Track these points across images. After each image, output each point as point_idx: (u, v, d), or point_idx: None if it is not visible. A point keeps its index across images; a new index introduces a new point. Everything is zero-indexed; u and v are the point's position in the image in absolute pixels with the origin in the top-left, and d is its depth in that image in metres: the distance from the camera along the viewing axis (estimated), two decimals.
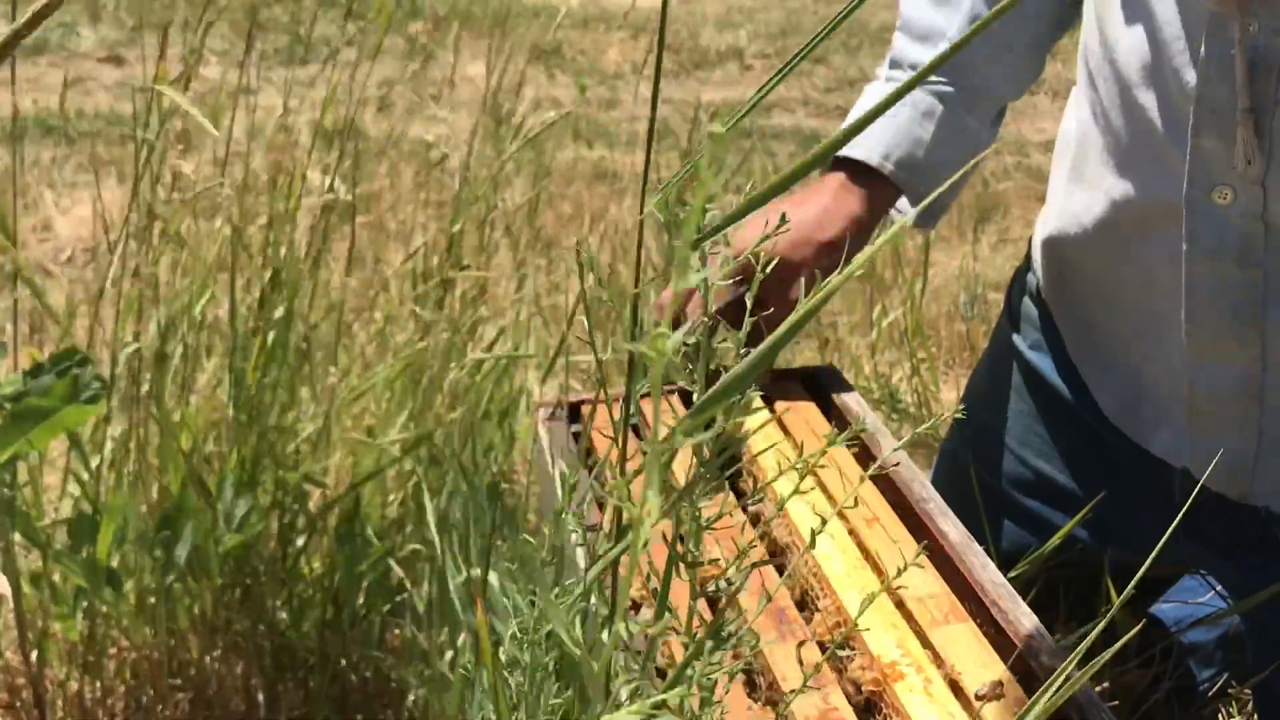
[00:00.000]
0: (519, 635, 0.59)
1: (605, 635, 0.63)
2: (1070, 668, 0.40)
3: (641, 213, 0.43)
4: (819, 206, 1.07)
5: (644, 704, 0.41)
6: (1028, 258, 1.22)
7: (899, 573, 0.65)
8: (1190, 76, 0.91)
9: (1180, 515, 0.60)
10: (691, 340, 0.51)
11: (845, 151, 1.08)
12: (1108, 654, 0.42)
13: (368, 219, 1.63)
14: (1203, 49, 0.90)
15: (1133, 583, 0.45)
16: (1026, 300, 1.21)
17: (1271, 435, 1.00)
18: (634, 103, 4.46)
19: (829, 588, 0.86)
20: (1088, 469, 1.16)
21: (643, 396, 1.13)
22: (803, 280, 1.03)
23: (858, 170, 1.08)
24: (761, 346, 0.34)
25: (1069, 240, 1.10)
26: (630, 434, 0.56)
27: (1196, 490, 0.76)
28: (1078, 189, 1.08)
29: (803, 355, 2.58)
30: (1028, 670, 0.79)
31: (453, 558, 1.27)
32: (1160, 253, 0.99)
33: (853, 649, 0.81)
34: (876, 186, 1.08)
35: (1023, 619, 0.82)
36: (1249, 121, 0.89)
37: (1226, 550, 1.08)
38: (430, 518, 1.33)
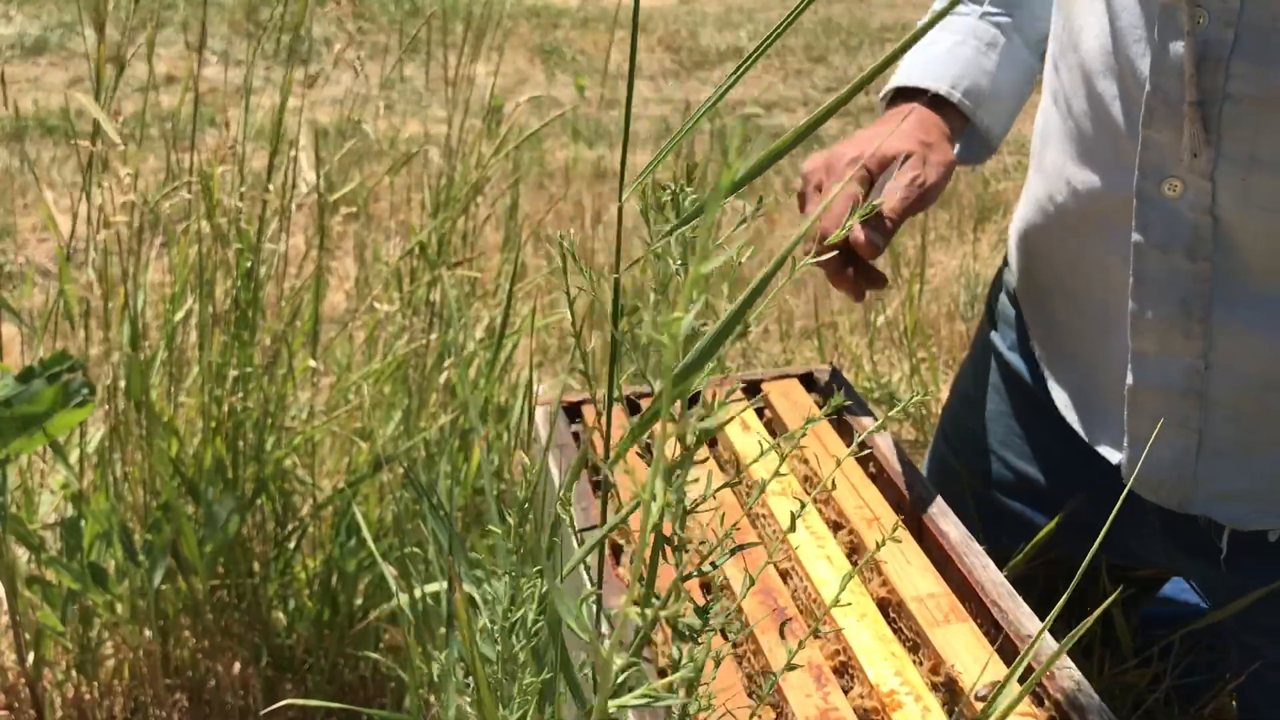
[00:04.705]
0: (489, 626, 0.59)
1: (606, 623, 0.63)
2: (1042, 638, 0.40)
3: (621, 200, 0.43)
4: (910, 122, 1.05)
5: (650, 687, 0.41)
6: (1006, 257, 1.22)
7: (879, 545, 0.65)
8: (1144, 67, 0.91)
9: (1113, 515, 0.60)
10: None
11: (915, 82, 1.09)
12: (1062, 604, 0.41)
13: (352, 211, 1.63)
14: (1155, 39, 0.90)
15: (1077, 575, 0.45)
16: (1004, 300, 1.21)
17: (1212, 438, 0.98)
18: (634, 102, 4.46)
19: (823, 608, 0.86)
20: (1063, 469, 1.15)
21: (643, 396, 1.12)
22: (915, 158, 1.01)
23: (925, 101, 1.09)
24: (724, 319, 0.34)
25: (1035, 230, 1.10)
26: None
27: (1127, 495, 0.74)
28: (1038, 177, 1.08)
29: (802, 355, 2.58)
30: (1028, 670, 0.78)
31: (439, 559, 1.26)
32: (1115, 246, 0.98)
33: (830, 631, 0.80)
34: (946, 115, 1.09)
35: (1023, 619, 0.81)
36: (1195, 114, 0.88)
37: (1190, 554, 1.07)
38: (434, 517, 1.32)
